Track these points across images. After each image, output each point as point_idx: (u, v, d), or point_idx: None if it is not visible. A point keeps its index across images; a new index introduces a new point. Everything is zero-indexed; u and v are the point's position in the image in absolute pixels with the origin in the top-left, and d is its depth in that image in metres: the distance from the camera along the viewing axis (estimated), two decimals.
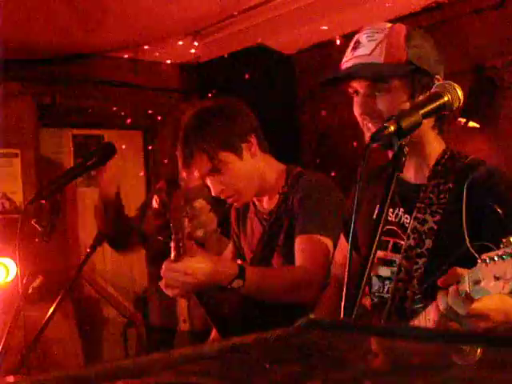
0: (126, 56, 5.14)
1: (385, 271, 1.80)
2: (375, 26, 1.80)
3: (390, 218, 1.79)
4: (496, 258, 1.27)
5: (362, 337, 0.90)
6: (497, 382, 0.71)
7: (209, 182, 2.32)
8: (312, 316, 0.90)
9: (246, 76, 4.78)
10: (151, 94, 5.29)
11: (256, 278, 2.06)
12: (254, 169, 2.35)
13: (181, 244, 2.03)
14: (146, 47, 4.88)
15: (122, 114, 5.11)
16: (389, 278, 1.78)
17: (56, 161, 5.20)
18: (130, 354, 4.46)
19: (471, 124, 4.02)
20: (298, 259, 2.19)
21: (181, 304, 3.11)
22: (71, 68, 4.97)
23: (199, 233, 2.77)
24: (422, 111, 1.48)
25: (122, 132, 5.42)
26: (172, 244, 2.07)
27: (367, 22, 4.81)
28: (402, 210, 1.78)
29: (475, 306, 1.35)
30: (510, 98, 3.99)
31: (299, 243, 2.21)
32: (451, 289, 1.37)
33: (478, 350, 0.82)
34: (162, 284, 2.07)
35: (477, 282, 1.31)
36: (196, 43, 4.95)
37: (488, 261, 1.29)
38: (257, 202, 2.48)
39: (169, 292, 2.08)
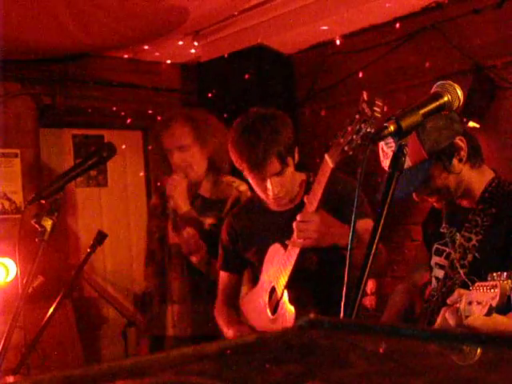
0: (125, 56, 5.14)
1: (440, 273, 2.11)
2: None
3: (446, 232, 2.11)
4: (481, 288, 1.60)
5: (361, 337, 0.90)
6: (497, 382, 0.71)
7: (270, 183, 2.46)
8: (312, 316, 0.90)
9: (246, 76, 4.79)
10: (151, 94, 5.29)
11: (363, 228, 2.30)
12: (295, 174, 2.58)
13: None
14: (145, 47, 4.88)
15: (122, 114, 5.11)
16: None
17: (56, 161, 5.20)
18: (129, 353, 4.45)
19: (471, 124, 4.02)
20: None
21: (171, 310, 3.13)
22: (71, 68, 4.97)
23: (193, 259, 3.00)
24: (422, 111, 1.48)
25: (122, 132, 5.42)
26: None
27: (367, 22, 4.83)
28: (455, 229, 2.10)
29: (468, 320, 1.62)
30: (510, 98, 3.99)
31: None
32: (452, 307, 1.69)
33: (478, 350, 0.82)
34: (295, 233, 2.32)
35: (469, 303, 1.63)
36: (196, 43, 4.95)
37: (478, 288, 1.62)
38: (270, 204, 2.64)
39: (302, 243, 2.33)
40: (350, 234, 1.49)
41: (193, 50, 5.09)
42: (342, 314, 1.39)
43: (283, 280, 2.45)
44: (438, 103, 1.50)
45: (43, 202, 2.13)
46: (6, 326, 1.90)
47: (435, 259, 2.15)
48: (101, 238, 2.46)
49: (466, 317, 1.61)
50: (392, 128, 1.42)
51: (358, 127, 2.06)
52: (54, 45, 4.39)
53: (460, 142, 1.99)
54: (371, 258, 1.40)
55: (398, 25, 4.35)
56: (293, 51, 5.02)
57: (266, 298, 2.58)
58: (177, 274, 3.06)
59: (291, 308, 2.42)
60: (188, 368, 0.81)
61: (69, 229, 5.16)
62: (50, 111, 4.96)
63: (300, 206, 2.47)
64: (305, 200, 2.36)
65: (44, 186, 2.19)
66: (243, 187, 3.10)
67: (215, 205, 3.10)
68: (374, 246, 1.40)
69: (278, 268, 2.50)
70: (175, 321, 3.12)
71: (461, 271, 1.99)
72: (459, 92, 1.52)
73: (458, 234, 2.07)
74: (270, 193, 2.49)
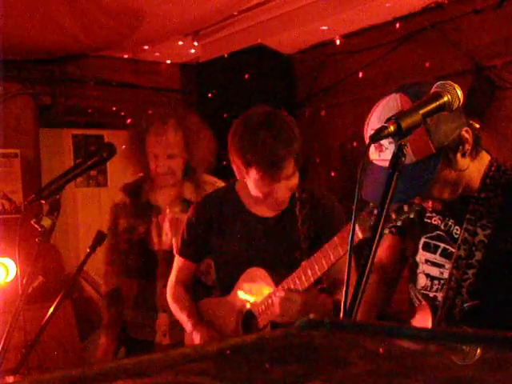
0: (125, 56, 5.14)
1: (433, 270, 1.90)
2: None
3: (438, 224, 1.89)
4: None
5: (361, 337, 0.90)
6: (497, 382, 0.71)
7: (279, 186, 2.32)
8: (312, 316, 0.90)
9: (246, 76, 4.79)
10: (151, 94, 5.29)
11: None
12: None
13: None
14: (146, 47, 4.88)
15: (122, 114, 5.11)
16: (437, 278, 1.89)
17: (56, 161, 5.19)
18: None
19: None
20: None
21: (161, 318, 3.07)
22: (71, 68, 4.97)
23: None
24: (422, 111, 1.47)
25: (122, 132, 5.42)
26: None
27: (367, 22, 4.83)
28: (452, 221, 1.87)
29: None
30: (509, 98, 3.99)
31: None
32: None
33: (478, 350, 0.82)
34: (276, 309, 2.23)
35: None
36: (196, 43, 4.95)
37: None
38: (253, 209, 2.52)
39: (280, 319, 2.24)
40: (350, 233, 1.49)
41: (192, 50, 5.09)
42: (341, 314, 1.39)
43: (268, 316, 2.35)
44: (437, 103, 1.50)
45: (43, 201, 2.13)
46: (6, 326, 1.89)
47: (425, 255, 1.93)
48: (101, 238, 2.46)
49: None
50: (392, 128, 1.42)
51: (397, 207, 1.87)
52: (54, 45, 4.39)
53: (466, 133, 1.76)
54: (371, 258, 1.40)
55: (397, 25, 4.35)
56: (293, 51, 5.02)
57: (240, 320, 2.48)
58: (165, 282, 2.92)
59: None
60: (188, 368, 0.81)
61: (69, 229, 5.16)
62: (50, 111, 4.97)
63: (285, 215, 2.42)
64: (300, 269, 2.22)
65: (44, 186, 2.19)
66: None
67: None
68: (374, 246, 1.40)
69: (263, 299, 2.37)
70: (165, 330, 3.05)
71: (469, 272, 1.79)
72: (459, 92, 1.52)
73: (457, 228, 1.85)
74: (277, 196, 2.35)
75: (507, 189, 1.80)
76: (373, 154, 1.77)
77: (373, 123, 1.76)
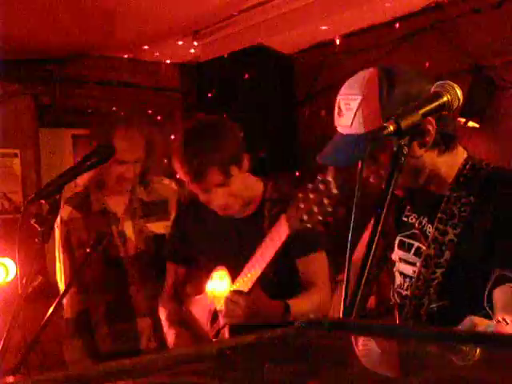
0: (125, 56, 5.14)
1: (407, 268, 1.86)
2: (350, 92, 1.78)
3: (414, 223, 1.86)
4: (504, 323, 1.51)
5: (361, 337, 0.90)
6: (497, 382, 0.71)
7: (213, 195, 2.37)
8: (312, 316, 0.90)
9: (246, 76, 4.79)
10: (151, 94, 5.29)
11: (297, 308, 2.32)
12: (247, 181, 2.46)
13: None
14: (145, 47, 4.88)
15: (122, 114, 5.11)
16: (410, 277, 1.85)
17: (56, 161, 5.19)
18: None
19: (471, 124, 4.02)
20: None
21: (142, 322, 2.99)
22: (71, 68, 4.97)
23: None
24: (421, 111, 1.47)
25: None
26: None
27: (367, 22, 4.83)
28: (425, 219, 1.83)
29: None
30: (509, 98, 3.99)
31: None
32: None
33: (478, 350, 0.82)
34: (222, 312, 2.30)
35: None
36: (196, 43, 4.95)
37: (501, 321, 1.53)
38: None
39: (229, 320, 2.32)
40: (351, 229, 1.49)
41: (192, 50, 5.09)
42: (341, 314, 1.39)
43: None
44: (437, 103, 1.50)
45: (43, 201, 2.13)
46: (6, 326, 1.90)
47: (399, 253, 1.88)
48: (100, 237, 2.46)
49: None
50: (391, 128, 1.42)
51: (319, 199, 1.88)
52: (54, 45, 4.39)
53: (429, 126, 1.67)
54: (371, 258, 1.40)
55: (397, 25, 4.35)
56: (293, 51, 5.02)
57: (209, 320, 2.52)
58: (139, 286, 2.90)
59: None
60: (188, 368, 0.81)
61: None
62: (50, 111, 4.96)
63: (257, 215, 2.44)
64: (243, 274, 2.27)
65: (44, 186, 2.19)
66: (174, 185, 3.07)
67: (157, 207, 3.00)
68: (374, 246, 1.40)
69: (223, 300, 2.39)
70: (149, 334, 2.98)
71: (438, 271, 1.75)
72: (458, 92, 1.52)
73: (429, 226, 1.80)
74: (218, 203, 2.40)
75: (480, 188, 1.75)
76: (336, 119, 1.80)
77: (341, 90, 1.81)
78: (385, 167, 1.72)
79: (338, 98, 1.80)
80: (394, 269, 1.92)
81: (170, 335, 2.61)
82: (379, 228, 1.41)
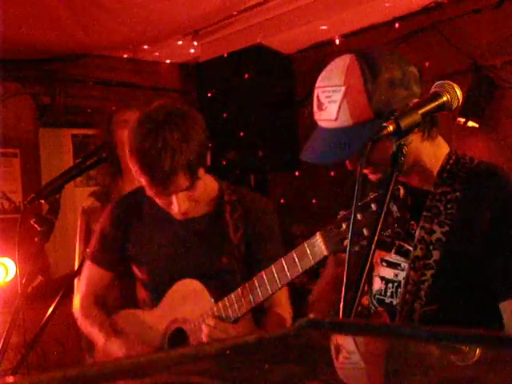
0: (125, 56, 5.14)
1: (388, 272, 1.78)
2: (330, 83, 1.67)
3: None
4: None
5: (361, 337, 0.90)
6: (497, 382, 0.71)
7: (176, 200, 2.05)
8: (312, 316, 0.90)
9: (246, 76, 4.78)
10: (151, 94, 5.29)
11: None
12: (206, 182, 2.19)
13: None
14: (145, 47, 4.88)
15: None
16: (392, 281, 1.77)
17: (56, 161, 5.19)
18: None
19: (471, 124, 4.02)
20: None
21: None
22: (71, 68, 4.97)
23: None
24: (421, 111, 1.47)
25: None
26: None
27: (367, 22, 4.82)
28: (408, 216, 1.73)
29: None
30: (509, 98, 3.99)
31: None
32: None
33: (478, 350, 0.82)
34: (204, 338, 2.00)
35: None
36: (195, 43, 4.95)
37: None
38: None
39: None
40: (350, 229, 1.49)
41: (192, 50, 5.09)
42: (341, 314, 1.38)
43: (198, 337, 2.07)
44: (437, 103, 1.50)
45: (43, 201, 2.13)
46: (6, 326, 1.90)
47: (380, 254, 1.77)
48: None
49: None
50: (391, 128, 1.42)
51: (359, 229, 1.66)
52: (54, 45, 4.39)
53: None
54: (370, 257, 1.40)
55: (397, 25, 4.35)
56: (292, 51, 5.02)
57: (167, 336, 2.19)
58: None
59: None
60: (188, 368, 0.81)
61: (69, 228, 5.15)
62: (50, 111, 4.97)
63: (213, 218, 2.21)
64: (240, 290, 1.97)
65: (43, 186, 2.19)
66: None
67: None
68: (374, 247, 1.40)
69: (197, 317, 2.10)
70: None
71: (427, 273, 1.66)
72: (458, 92, 1.52)
73: (413, 222, 1.70)
74: (176, 209, 2.07)
75: (465, 183, 1.68)
76: (316, 113, 1.70)
77: (318, 81, 1.71)
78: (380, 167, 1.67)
79: (316, 90, 1.70)
80: (374, 273, 1.82)
81: (112, 344, 2.25)
82: (379, 227, 1.41)
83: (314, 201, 5.03)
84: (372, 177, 1.73)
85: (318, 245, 1.75)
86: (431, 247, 1.67)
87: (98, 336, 2.30)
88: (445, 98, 1.50)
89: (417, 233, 1.69)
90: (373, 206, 1.65)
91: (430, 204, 1.69)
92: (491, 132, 4.07)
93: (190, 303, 2.14)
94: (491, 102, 4.02)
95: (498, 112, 4.04)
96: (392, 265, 1.77)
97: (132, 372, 0.78)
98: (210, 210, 2.23)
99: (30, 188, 4.67)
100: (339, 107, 1.63)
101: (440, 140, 1.75)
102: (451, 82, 1.54)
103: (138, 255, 2.29)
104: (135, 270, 2.32)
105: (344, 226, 1.70)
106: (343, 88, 1.63)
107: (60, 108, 4.98)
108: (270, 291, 1.89)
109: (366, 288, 1.88)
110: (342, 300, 1.37)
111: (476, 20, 4.04)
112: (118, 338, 2.24)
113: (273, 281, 1.87)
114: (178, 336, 2.17)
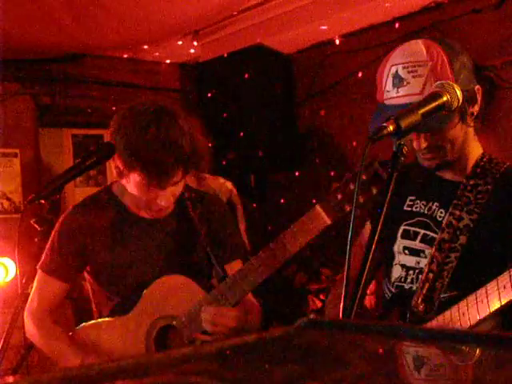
0: (125, 56, 5.14)
1: (409, 260, 1.86)
2: (414, 59, 1.76)
3: (420, 210, 1.87)
4: None
5: (361, 337, 0.90)
6: (497, 382, 0.71)
7: (164, 194, 2.04)
8: (312, 316, 0.90)
9: (245, 76, 4.79)
10: (151, 94, 5.29)
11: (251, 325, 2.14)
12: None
13: None
14: (145, 47, 4.88)
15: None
16: (413, 268, 1.85)
17: (56, 161, 5.20)
18: None
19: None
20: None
21: None
22: (71, 68, 4.97)
23: None
24: (421, 111, 1.47)
25: None
26: None
27: (367, 22, 4.83)
28: (436, 204, 1.85)
29: None
30: (509, 98, 3.99)
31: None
32: None
33: (478, 350, 0.82)
34: (208, 326, 2.01)
35: None
36: (195, 43, 4.95)
37: None
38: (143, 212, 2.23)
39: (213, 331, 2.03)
40: (351, 229, 1.48)
41: (192, 50, 5.10)
42: (341, 315, 1.39)
43: (193, 330, 2.06)
44: (437, 103, 1.50)
45: (43, 201, 2.13)
46: (6, 326, 1.90)
47: (403, 243, 1.87)
48: None
49: None
50: (391, 128, 1.42)
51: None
52: (53, 45, 4.39)
53: (478, 92, 1.77)
54: (370, 257, 1.40)
55: (397, 25, 4.35)
56: (292, 51, 5.02)
57: (151, 337, 2.12)
58: None
59: None
60: (188, 368, 0.81)
61: None
62: (50, 111, 4.97)
63: (177, 216, 2.21)
64: (236, 275, 1.99)
65: (43, 186, 2.19)
66: (229, 185, 3.04)
67: None
68: (373, 247, 1.40)
69: (186, 312, 2.08)
70: None
71: (452, 255, 1.75)
72: (458, 92, 1.52)
73: (442, 211, 1.82)
74: (161, 203, 2.07)
75: (497, 179, 1.81)
76: (389, 91, 1.77)
77: (396, 58, 1.79)
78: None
79: (392, 67, 1.79)
80: (394, 262, 1.90)
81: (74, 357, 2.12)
82: (379, 228, 1.41)
83: (314, 201, 5.03)
84: (428, 163, 1.82)
85: (319, 216, 1.83)
86: (458, 232, 1.77)
87: (65, 351, 2.16)
88: (445, 98, 1.50)
89: (445, 219, 1.79)
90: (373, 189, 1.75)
91: (460, 193, 1.80)
92: (491, 132, 4.06)
93: (173, 299, 2.12)
94: (491, 102, 4.02)
95: (498, 112, 4.04)
96: (415, 253, 1.85)
97: (132, 372, 0.78)
98: (171, 208, 2.22)
99: (30, 188, 4.67)
100: (425, 81, 1.72)
101: (477, 140, 1.88)
102: (451, 82, 1.54)
103: (103, 264, 2.21)
104: (95, 283, 2.25)
105: (339, 196, 1.80)
106: (430, 63, 1.73)
107: (60, 108, 4.98)
108: (274, 267, 1.91)
109: (367, 289, 1.93)
110: (342, 300, 1.37)
111: (476, 20, 4.04)
112: (95, 354, 2.12)
113: (275, 256, 1.89)
114: (166, 334, 2.14)
